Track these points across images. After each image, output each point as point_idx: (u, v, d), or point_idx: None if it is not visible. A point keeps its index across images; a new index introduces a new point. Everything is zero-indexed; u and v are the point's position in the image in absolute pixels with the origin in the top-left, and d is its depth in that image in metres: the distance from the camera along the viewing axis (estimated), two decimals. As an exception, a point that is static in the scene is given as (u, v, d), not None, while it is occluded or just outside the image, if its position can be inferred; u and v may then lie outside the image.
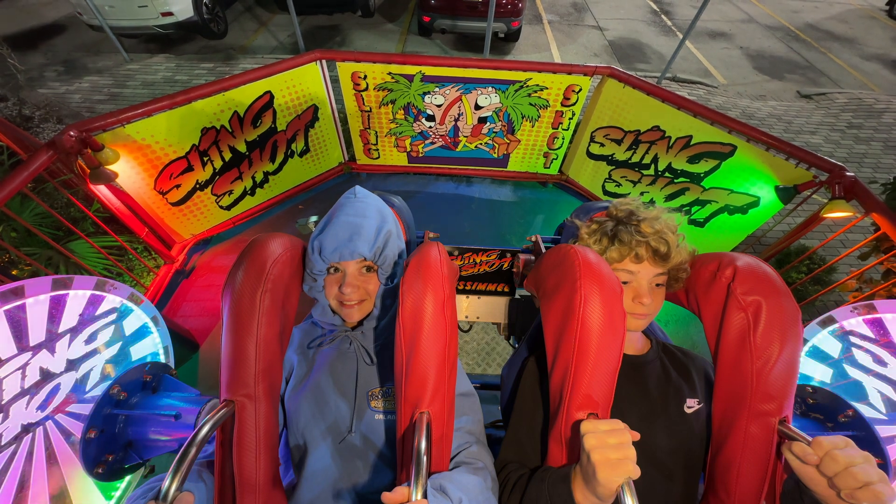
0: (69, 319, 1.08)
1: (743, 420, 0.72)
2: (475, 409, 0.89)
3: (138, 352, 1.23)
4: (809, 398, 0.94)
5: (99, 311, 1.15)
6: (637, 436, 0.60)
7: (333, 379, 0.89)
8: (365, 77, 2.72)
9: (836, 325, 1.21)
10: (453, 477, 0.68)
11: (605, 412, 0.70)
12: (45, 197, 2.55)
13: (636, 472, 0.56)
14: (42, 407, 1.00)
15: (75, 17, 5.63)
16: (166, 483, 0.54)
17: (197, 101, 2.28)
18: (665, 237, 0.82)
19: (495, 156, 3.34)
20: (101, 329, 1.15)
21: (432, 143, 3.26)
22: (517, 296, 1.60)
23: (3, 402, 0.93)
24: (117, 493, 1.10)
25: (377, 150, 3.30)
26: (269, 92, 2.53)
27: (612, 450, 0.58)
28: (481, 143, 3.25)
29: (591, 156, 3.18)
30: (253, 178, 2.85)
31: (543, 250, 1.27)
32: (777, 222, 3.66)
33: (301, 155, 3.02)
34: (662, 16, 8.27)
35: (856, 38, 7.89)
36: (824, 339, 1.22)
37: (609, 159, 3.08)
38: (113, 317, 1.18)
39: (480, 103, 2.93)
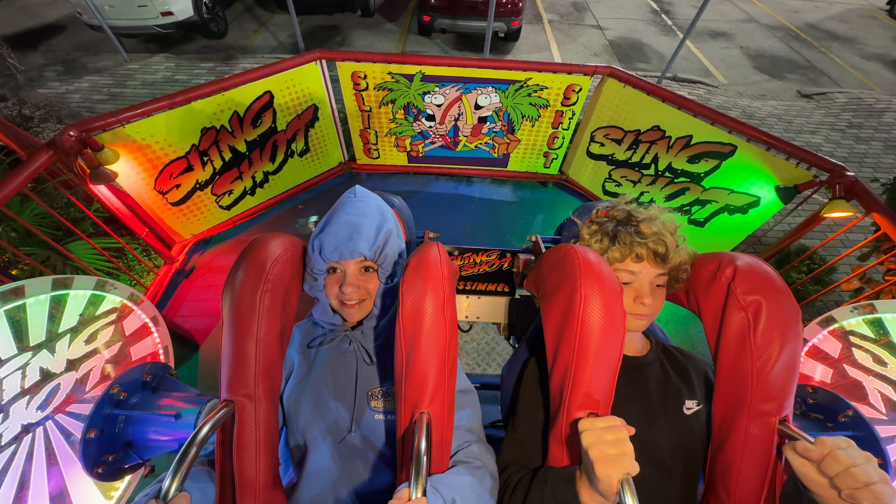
0: (69, 319, 1.09)
1: (743, 420, 0.72)
2: (474, 405, 0.89)
3: (138, 352, 1.23)
4: (809, 398, 0.94)
5: (99, 311, 1.15)
6: (632, 430, 0.62)
7: (333, 379, 0.89)
8: (365, 77, 2.72)
9: (835, 325, 1.21)
10: (444, 479, 0.69)
11: (605, 412, 0.70)
12: (44, 197, 2.54)
13: (634, 467, 0.57)
14: (42, 407, 1.00)
15: (75, 16, 5.63)
16: (166, 483, 0.54)
17: (197, 100, 2.28)
18: (664, 238, 0.82)
19: (495, 155, 3.34)
20: (101, 329, 1.15)
21: (432, 142, 3.25)
22: (517, 296, 1.60)
23: (3, 402, 0.93)
24: (117, 493, 1.10)
25: (377, 149, 3.30)
26: (268, 92, 2.53)
27: (609, 446, 0.59)
28: (481, 143, 3.25)
29: (591, 155, 3.17)
30: (253, 177, 2.85)
31: (543, 250, 1.27)
32: (777, 222, 3.65)
33: (301, 155, 3.02)
34: (663, 15, 8.27)
35: (856, 38, 7.89)
36: (824, 339, 1.22)
37: (609, 159, 3.07)
38: (113, 317, 1.18)
39: (480, 103, 2.93)
